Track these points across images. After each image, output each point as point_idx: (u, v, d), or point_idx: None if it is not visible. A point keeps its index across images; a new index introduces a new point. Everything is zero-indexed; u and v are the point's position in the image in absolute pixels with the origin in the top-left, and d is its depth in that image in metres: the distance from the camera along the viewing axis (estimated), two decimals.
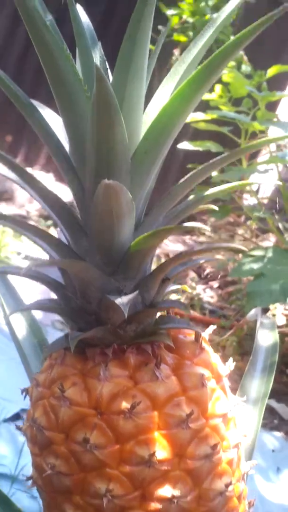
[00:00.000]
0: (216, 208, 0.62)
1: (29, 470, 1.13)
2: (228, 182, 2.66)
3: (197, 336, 0.63)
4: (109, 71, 0.60)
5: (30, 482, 0.67)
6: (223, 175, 2.65)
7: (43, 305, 0.63)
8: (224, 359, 0.69)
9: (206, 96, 2.75)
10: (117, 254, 0.58)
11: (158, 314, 0.64)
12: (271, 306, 3.48)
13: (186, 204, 0.61)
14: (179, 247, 4.30)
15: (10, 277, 1.07)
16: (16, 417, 1.86)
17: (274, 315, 3.34)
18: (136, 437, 0.57)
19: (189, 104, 0.53)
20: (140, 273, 0.60)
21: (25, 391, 0.67)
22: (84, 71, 0.57)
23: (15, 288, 1.05)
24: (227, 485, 0.60)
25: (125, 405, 0.57)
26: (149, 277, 0.60)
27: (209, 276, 3.85)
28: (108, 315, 0.59)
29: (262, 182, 2.87)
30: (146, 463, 0.57)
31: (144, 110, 0.59)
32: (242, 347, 2.75)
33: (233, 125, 2.75)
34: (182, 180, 0.58)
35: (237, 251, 3.12)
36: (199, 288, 3.56)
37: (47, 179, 4.30)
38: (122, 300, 0.54)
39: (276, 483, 2.09)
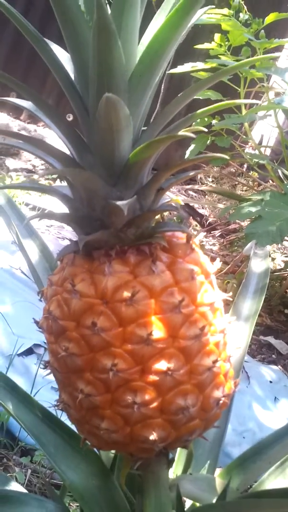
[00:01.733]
0: (205, 129, 0.71)
1: (41, 398, 1.24)
2: (228, 128, 2.72)
3: (188, 238, 0.73)
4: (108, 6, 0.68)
5: None
6: (223, 122, 2.71)
7: (56, 215, 0.73)
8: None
9: (206, 46, 2.79)
10: (118, 166, 0.68)
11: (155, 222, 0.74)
12: (271, 252, 3.58)
13: (179, 122, 0.70)
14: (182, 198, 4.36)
15: (23, 210, 1.16)
16: (29, 351, 1.98)
17: (273, 259, 3.44)
18: (136, 321, 0.68)
19: (177, 30, 0.61)
20: (138, 183, 0.69)
21: (41, 293, 0.78)
22: (86, 4, 0.65)
23: (26, 217, 1.15)
24: (214, 362, 0.71)
25: (126, 294, 0.67)
26: (146, 186, 0.69)
27: (211, 225, 3.93)
28: (111, 219, 0.69)
29: (258, 120, 2.90)
30: (145, 342, 0.67)
31: (139, 42, 0.68)
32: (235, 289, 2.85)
33: (232, 74, 2.80)
34: (174, 99, 0.67)
35: (239, 199, 3.20)
36: (202, 237, 3.65)
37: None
38: (122, 203, 0.64)
39: (274, 411, 2.22)
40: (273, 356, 2.73)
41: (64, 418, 0.85)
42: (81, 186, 0.68)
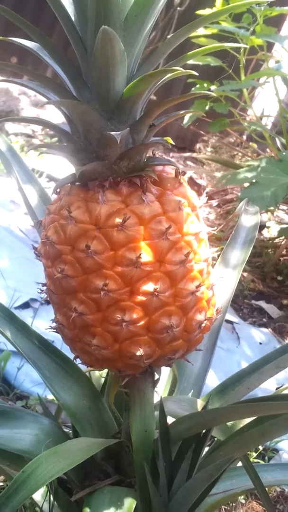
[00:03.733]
0: (195, 73, 0.76)
1: None
2: (226, 95, 2.75)
3: (177, 173, 0.79)
4: None
5: None
6: (222, 87, 2.74)
7: (55, 149, 0.78)
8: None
9: (207, 11, 2.81)
10: (113, 101, 0.73)
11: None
12: (267, 221, 3.63)
13: (172, 62, 0.75)
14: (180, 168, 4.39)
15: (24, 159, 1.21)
16: (25, 305, 2.05)
17: (268, 227, 3.50)
18: (126, 245, 0.74)
19: None
20: (131, 118, 0.75)
21: (39, 223, 0.83)
22: None
23: (26, 165, 1.21)
24: (197, 287, 0.77)
25: (118, 220, 0.73)
26: (139, 121, 0.75)
27: (208, 194, 3.97)
28: (106, 152, 0.74)
29: None
30: (134, 264, 0.74)
31: None
32: None
33: (233, 41, 2.82)
34: (166, 40, 0.72)
35: (236, 168, 3.24)
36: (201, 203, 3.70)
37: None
38: (116, 133, 0.69)
39: None
40: (264, 319, 2.80)
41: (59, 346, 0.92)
42: (78, 119, 0.73)
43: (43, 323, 1.82)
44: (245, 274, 3.04)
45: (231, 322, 2.54)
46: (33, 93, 4.60)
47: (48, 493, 0.99)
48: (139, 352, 0.76)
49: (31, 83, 0.77)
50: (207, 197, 3.95)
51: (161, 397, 0.87)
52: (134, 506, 0.78)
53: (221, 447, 0.81)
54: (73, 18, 0.73)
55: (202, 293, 0.79)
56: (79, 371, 0.94)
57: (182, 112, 0.78)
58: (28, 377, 1.70)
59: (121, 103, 0.73)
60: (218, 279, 0.88)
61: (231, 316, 2.55)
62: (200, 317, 0.80)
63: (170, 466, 0.81)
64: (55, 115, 4.11)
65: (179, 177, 0.79)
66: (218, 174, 4.10)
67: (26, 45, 0.80)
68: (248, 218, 1.35)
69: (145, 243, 0.74)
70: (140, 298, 0.75)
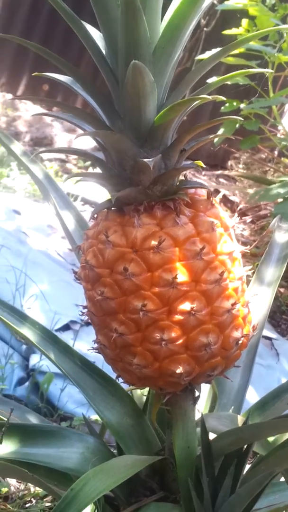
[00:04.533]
0: (223, 98, 0.79)
1: None
2: (256, 113, 2.78)
3: (209, 194, 0.82)
4: None
5: None
6: (251, 105, 2.77)
7: (91, 176, 0.82)
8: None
9: (233, 31, 2.85)
10: (144, 129, 0.76)
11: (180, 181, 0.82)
12: None
13: (199, 90, 0.78)
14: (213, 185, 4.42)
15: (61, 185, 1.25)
16: (66, 327, 2.09)
17: None
18: (163, 266, 0.77)
19: (194, 6, 0.70)
20: (163, 144, 0.78)
21: (78, 248, 0.87)
22: None
23: (62, 190, 1.25)
24: (233, 305, 0.79)
25: (154, 243, 0.76)
26: (170, 147, 0.78)
27: (242, 210, 3.98)
28: (139, 177, 0.78)
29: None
30: (171, 285, 0.76)
31: (162, 18, 0.76)
32: None
33: (260, 59, 2.85)
34: (194, 68, 0.75)
35: (268, 184, 3.25)
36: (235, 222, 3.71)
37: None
38: (149, 160, 0.72)
39: None
40: None
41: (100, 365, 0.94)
42: (112, 148, 0.77)
43: (84, 344, 1.86)
44: (282, 290, 3.03)
45: (269, 338, 2.53)
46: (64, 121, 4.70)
47: (96, 511, 1.02)
48: (179, 370, 0.78)
49: (65, 115, 0.81)
50: (241, 214, 3.96)
51: (202, 413, 0.89)
52: None
53: (263, 462, 0.82)
54: (103, 52, 0.77)
55: (238, 310, 0.81)
56: (121, 390, 0.97)
57: (211, 136, 0.81)
58: (71, 398, 1.74)
59: (152, 131, 0.76)
60: (253, 297, 0.90)
61: (269, 332, 2.54)
62: (237, 334, 0.82)
63: (214, 481, 0.82)
64: (87, 140, 4.19)
65: (211, 198, 0.82)
66: (250, 191, 4.11)
67: (60, 79, 0.84)
68: (282, 235, 1.36)
69: (180, 264, 0.77)
70: (178, 317, 0.77)
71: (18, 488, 1.36)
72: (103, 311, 0.81)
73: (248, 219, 4.02)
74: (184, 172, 0.85)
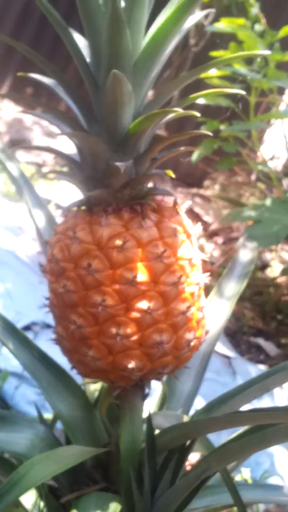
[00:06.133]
0: (198, 114, 0.84)
1: None
2: (235, 135, 2.85)
3: (175, 203, 0.87)
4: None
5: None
6: (231, 127, 2.85)
7: (65, 176, 0.86)
8: None
9: (220, 53, 2.93)
10: (119, 136, 0.81)
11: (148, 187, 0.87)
12: (271, 260, 3.70)
13: (175, 104, 0.83)
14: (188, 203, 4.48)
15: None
16: (26, 328, 2.11)
17: (271, 267, 3.57)
18: (125, 265, 0.81)
19: (176, 25, 0.75)
20: (136, 151, 0.83)
21: (47, 243, 0.91)
22: None
23: (36, 191, 1.29)
24: (188, 308, 0.84)
25: (118, 242, 0.81)
26: (142, 155, 0.83)
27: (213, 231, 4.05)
28: (110, 180, 0.82)
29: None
30: (131, 283, 0.81)
31: (146, 33, 0.81)
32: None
33: (245, 83, 2.93)
34: (171, 82, 0.80)
35: (242, 206, 3.33)
36: (203, 241, 3.78)
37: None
38: (120, 164, 0.77)
39: (255, 406, 2.35)
40: (261, 357, 2.84)
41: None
42: (88, 150, 0.81)
43: (43, 345, 1.89)
44: (245, 311, 3.10)
45: (228, 357, 2.58)
46: (45, 124, 4.73)
47: (38, 502, 1.05)
48: (131, 365, 0.83)
49: (46, 115, 0.85)
50: (213, 234, 4.03)
51: (149, 411, 0.93)
52: (118, 510, 0.84)
53: (203, 460, 0.86)
54: (87, 60, 0.82)
55: (192, 313, 0.86)
56: (75, 384, 1.01)
57: (182, 148, 0.86)
58: (24, 397, 1.76)
59: (126, 138, 0.81)
60: (210, 303, 0.95)
61: (228, 351, 2.60)
62: (189, 335, 0.86)
63: (155, 474, 0.86)
64: (66, 146, 4.23)
65: (176, 207, 0.87)
66: (225, 212, 4.19)
67: (43, 81, 0.89)
68: (246, 253, 1.41)
69: (142, 264, 0.81)
70: (135, 314, 0.82)
71: None
72: (65, 304, 0.84)
73: (219, 240, 4.10)
74: (154, 181, 0.89)
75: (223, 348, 2.57)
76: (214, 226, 4.21)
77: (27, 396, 1.76)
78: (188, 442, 0.88)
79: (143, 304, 0.82)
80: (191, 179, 4.91)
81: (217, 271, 3.21)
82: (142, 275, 0.81)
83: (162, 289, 0.83)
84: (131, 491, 0.85)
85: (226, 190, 4.86)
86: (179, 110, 0.74)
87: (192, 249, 0.87)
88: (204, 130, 2.99)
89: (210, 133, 0.83)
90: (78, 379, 1.04)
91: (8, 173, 1.26)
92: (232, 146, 2.97)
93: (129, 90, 0.75)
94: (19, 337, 1.03)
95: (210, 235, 4.06)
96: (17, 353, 1.00)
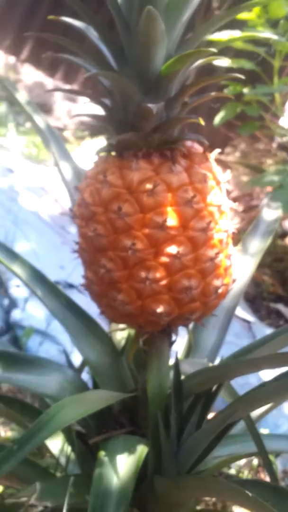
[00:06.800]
0: (228, 60, 0.83)
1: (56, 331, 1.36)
2: (258, 99, 2.82)
3: (205, 149, 0.86)
4: None
5: None
6: (254, 91, 2.81)
7: (96, 116, 0.86)
8: None
9: (244, 15, 2.88)
10: (151, 78, 0.80)
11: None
12: None
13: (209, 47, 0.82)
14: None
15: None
16: None
17: None
18: (155, 209, 0.81)
19: None
20: (167, 95, 0.82)
21: (76, 188, 0.91)
22: None
23: (62, 142, 1.29)
24: (216, 254, 0.84)
25: (148, 186, 0.81)
26: (173, 98, 0.82)
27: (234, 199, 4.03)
28: (141, 124, 0.82)
29: None
30: (160, 227, 0.81)
31: None
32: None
33: (269, 46, 2.88)
34: (205, 24, 0.79)
35: (262, 172, 3.29)
36: None
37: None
38: (152, 105, 0.77)
39: (274, 369, 2.35)
40: (281, 322, 2.84)
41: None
42: (118, 92, 0.81)
43: None
44: (265, 278, 3.09)
45: (247, 322, 2.59)
46: (66, 87, 4.70)
47: (66, 447, 1.07)
48: (160, 309, 0.83)
49: (77, 59, 0.85)
50: (233, 201, 4.01)
51: (176, 358, 0.93)
52: (145, 452, 0.85)
53: (228, 407, 0.87)
54: (119, 0, 0.81)
55: (221, 261, 0.86)
56: (102, 332, 1.02)
57: (213, 93, 0.85)
58: (47, 354, 1.79)
59: (158, 80, 0.80)
60: (236, 263, 0.94)
61: (248, 316, 2.60)
62: (217, 282, 0.87)
63: (181, 418, 0.87)
64: (87, 111, 4.20)
65: (206, 153, 0.87)
66: (245, 179, 4.15)
67: (74, 24, 0.88)
68: (270, 212, 1.41)
69: (171, 209, 0.81)
70: (164, 259, 0.82)
71: None
72: (94, 248, 0.85)
73: (240, 207, 4.07)
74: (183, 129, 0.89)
75: (242, 312, 2.58)
76: (234, 194, 4.18)
77: (50, 353, 1.79)
78: (214, 387, 0.89)
79: (172, 249, 0.82)
80: (212, 146, 4.87)
81: (238, 238, 3.19)
82: (171, 220, 0.81)
83: (191, 234, 0.83)
84: (158, 433, 0.87)
85: (247, 157, 4.81)
86: (214, 50, 0.73)
87: (221, 196, 0.87)
88: (227, 93, 2.96)
89: (241, 76, 0.81)
90: (105, 328, 1.05)
91: (35, 125, 1.26)
92: (255, 109, 2.93)
93: (162, 29, 0.74)
94: (47, 285, 1.04)
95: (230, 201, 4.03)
96: (46, 300, 1.02)
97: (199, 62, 0.85)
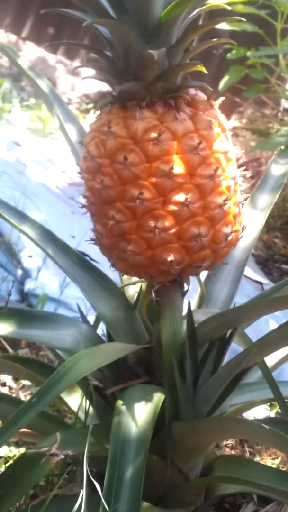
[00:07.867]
0: (229, 8, 0.83)
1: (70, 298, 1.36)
2: (262, 62, 2.79)
3: (209, 96, 0.86)
4: None
5: None
6: (257, 53, 2.78)
7: (97, 65, 0.86)
8: None
9: None
10: (151, 25, 0.80)
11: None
12: None
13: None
14: None
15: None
16: None
17: None
18: (161, 158, 0.81)
19: None
20: (168, 42, 0.82)
21: (81, 143, 0.91)
22: None
23: (66, 105, 1.29)
24: (225, 201, 0.85)
25: (153, 135, 0.81)
26: (175, 45, 0.82)
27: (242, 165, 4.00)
28: (143, 72, 0.82)
29: None
30: (167, 175, 0.81)
31: None
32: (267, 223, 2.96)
33: (270, 8, 2.84)
34: None
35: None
36: None
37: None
38: (154, 51, 0.77)
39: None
40: None
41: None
42: (119, 41, 0.81)
43: None
44: (276, 240, 3.09)
45: (260, 283, 2.59)
46: (69, 62, 4.66)
47: (84, 403, 1.09)
48: (170, 258, 0.84)
49: (75, 12, 0.84)
50: (240, 167, 3.99)
51: (189, 305, 0.94)
52: (162, 400, 0.87)
53: (242, 352, 0.88)
54: None
55: (229, 207, 0.86)
56: (114, 286, 1.03)
57: (214, 40, 0.85)
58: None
59: (158, 27, 0.80)
60: (245, 218, 0.94)
61: (260, 278, 2.60)
62: (226, 230, 0.87)
63: (196, 365, 0.89)
64: (89, 86, 4.18)
65: (211, 100, 0.86)
66: (252, 143, 4.12)
67: None
68: (278, 167, 1.40)
69: (177, 157, 0.82)
70: (172, 207, 0.82)
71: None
72: (102, 200, 0.86)
73: (248, 174, 4.05)
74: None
75: (254, 274, 2.58)
76: (241, 160, 4.15)
77: None
78: (228, 333, 0.90)
79: (180, 197, 0.82)
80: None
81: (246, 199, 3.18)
82: (178, 168, 0.82)
83: (199, 181, 0.83)
84: (174, 381, 0.88)
85: (254, 123, 4.77)
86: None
87: (227, 143, 0.87)
88: (231, 57, 2.93)
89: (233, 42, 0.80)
90: (117, 283, 1.06)
91: (38, 89, 1.26)
92: (259, 72, 2.90)
93: None
94: (58, 244, 1.05)
95: (237, 168, 4.01)
96: (57, 258, 1.02)
97: (199, 10, 0.85)
